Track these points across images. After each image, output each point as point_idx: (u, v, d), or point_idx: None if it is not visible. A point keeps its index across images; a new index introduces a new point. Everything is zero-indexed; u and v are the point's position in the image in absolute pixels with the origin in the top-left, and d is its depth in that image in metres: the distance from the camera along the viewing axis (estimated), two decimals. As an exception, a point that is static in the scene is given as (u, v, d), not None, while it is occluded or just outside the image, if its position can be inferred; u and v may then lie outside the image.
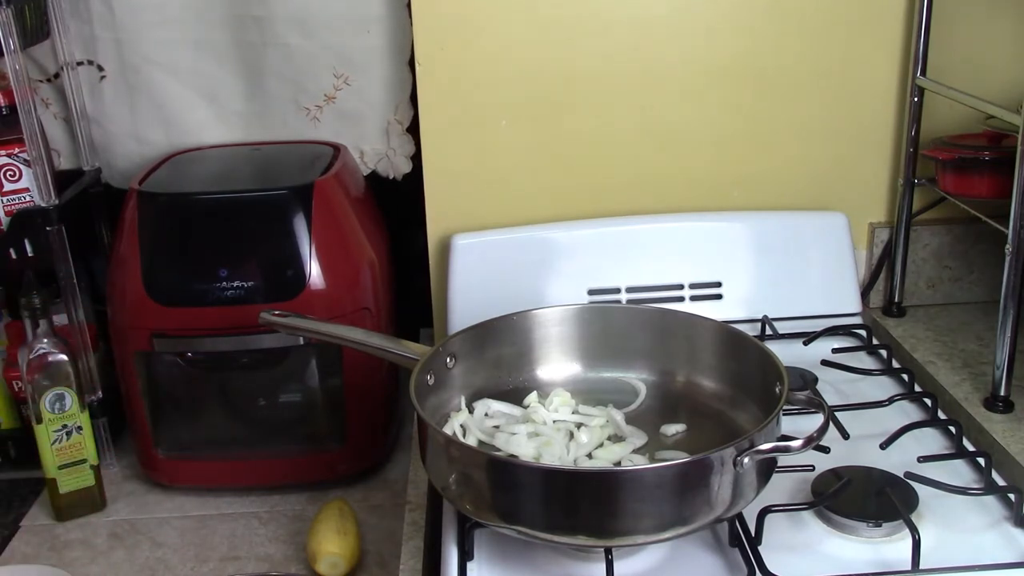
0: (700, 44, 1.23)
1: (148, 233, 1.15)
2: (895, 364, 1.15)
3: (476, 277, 1.24)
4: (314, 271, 1.14)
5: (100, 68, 1.35)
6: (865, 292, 1.31)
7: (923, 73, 1.19)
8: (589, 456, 0.91)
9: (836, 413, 1.01)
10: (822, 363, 1.14)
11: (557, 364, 1.04)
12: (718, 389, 0.99)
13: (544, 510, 0.79)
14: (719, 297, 1.25)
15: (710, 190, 1.28)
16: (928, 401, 1.06)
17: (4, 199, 1.22)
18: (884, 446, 0.97)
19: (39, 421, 1.16)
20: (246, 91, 1.36)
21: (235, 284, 1.13)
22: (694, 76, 1.24)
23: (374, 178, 1.38)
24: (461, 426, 0.95)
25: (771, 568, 0.81)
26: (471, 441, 0.93)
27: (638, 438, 0.94)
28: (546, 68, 1.23)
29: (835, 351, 1.17)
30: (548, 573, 0.85)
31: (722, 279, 1.25)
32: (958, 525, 0.89)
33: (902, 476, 0.91)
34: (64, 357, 1.15)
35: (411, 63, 1.29)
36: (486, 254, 1.24)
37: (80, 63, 1.35)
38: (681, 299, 1.24)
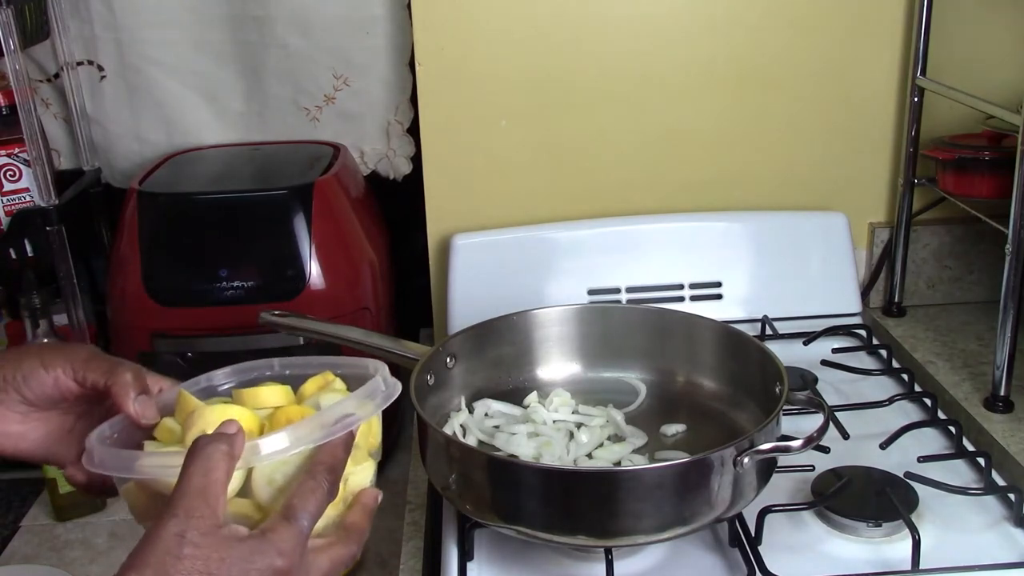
0: (700, 44, 1.23)
1: (148, 233, 1.15)
2: (895, 364, 1.15)
3: (476, 277, 1.24)
4: (314, 271, 1.14)
5: (100, 68, 1.35)
6: (865, 292, 1.31)
7: (923, 73, 1.19)
8: (589, 456, 0.91)
9: (836, 413, 1.01)
10: (822, 363, 1.14)
11: (557, 364, 1.04)
12: (718, 389, 0.99)
13: (544, 510, 0.79)
14: (719, 297, 1.25)
15: (710, 190, 1.28)
16: (928, 401, 1.06)
17: (4, 199, 1.22)
18: (884, 446, 0.97)
19: (39, 421, 1.15)
20: (246, 91, 1.36)
21: (235, 284, 1.13)
22: (694, 75, 1.24)
23: (374, 178, 1.38)
24: (461, 426, 0.95)
25: (771, 568, 0.81)
26: (471, 441, 0.93)
27: (638, 438, 0.94)
28: (546, 68, 1.23)
29: (835, 351, 1.17)
30: (548, 573, 0.85)
31: (722, 279, 1.25)
32: (958, 525, 0.89)
33: (902, 476, 0.91)
34: (64, 357, 1.15)
35: (411, 63, 1.29)
36: (486, 254, 1.24)
37: (80, 63, 1.35)
38: (681, 299, 1.24)
